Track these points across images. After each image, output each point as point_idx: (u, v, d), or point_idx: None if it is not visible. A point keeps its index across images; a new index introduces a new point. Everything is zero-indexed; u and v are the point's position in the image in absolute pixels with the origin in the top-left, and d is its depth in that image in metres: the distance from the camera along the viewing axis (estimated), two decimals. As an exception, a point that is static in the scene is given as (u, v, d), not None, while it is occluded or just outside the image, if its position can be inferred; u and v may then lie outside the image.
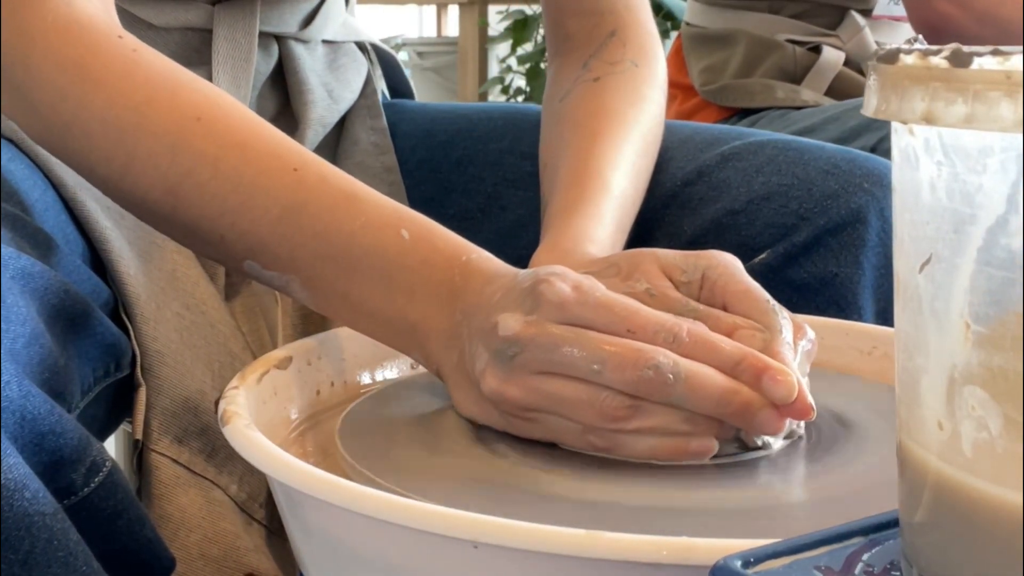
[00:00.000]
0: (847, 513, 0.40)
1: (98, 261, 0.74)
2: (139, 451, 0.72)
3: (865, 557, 0.36)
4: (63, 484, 0.53)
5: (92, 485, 0.55)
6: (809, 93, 1.61)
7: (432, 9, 5.62)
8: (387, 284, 0.63)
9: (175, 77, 0.67)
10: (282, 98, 0.93)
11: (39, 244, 0.66)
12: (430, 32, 5.73)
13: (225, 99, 0.68)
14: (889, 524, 0.37)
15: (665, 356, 0.55)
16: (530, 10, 4.28)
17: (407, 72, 1.12)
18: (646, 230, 0.87)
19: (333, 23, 0.96)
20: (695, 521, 0.51)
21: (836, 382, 0.71)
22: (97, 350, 0.66)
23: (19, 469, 0.49)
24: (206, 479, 0.72)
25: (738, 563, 0.34)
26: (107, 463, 0.56)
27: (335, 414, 0.67)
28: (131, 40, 0.68)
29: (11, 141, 0.77)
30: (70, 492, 0.54)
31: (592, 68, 0.89)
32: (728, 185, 0.87)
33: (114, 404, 0.72)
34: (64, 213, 0.74)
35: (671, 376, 0.54)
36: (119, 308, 0.72)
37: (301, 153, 0.66)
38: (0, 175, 0.70)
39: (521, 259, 0.91)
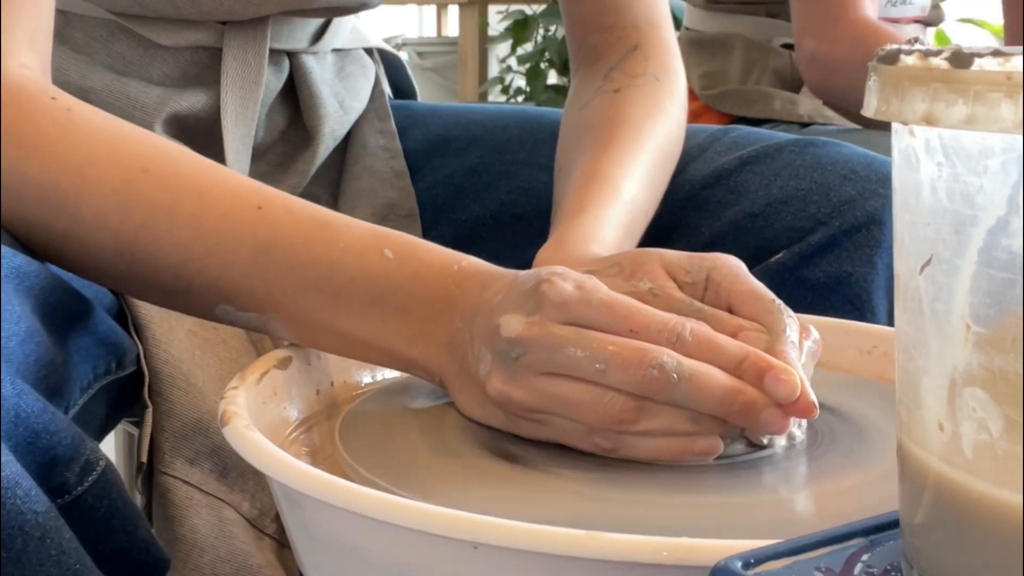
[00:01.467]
0: (848, 513, 0.40)
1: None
2: (145, 471, 0.72)
3: (865, 558, 0.36)
4: (56, 483, 0.53)
5: (86, 484, 0.54)
6: (807, 104, 1.62)
7: (432, 9, 5.61)
8: (377, 307, 0.62)
9: (115, 132, 0.65)
10: (292, 112, 0.93)
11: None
12: (430, 32, 5.73)
13: (171, 147, 0.66)
14: (890, 525, 0.37)
15: (669, 356, 0.55)
16: (530, 10, 4.27)
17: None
18: (663, 232, 0.87)
19: (342, 33, 0.96)
20: (696, 521, 0.51)
21: (837, 381, 0.71)
22: (97, 348, 0.66)
23: (11, 467, 0.49)
24: (217, 498, 0.72)
25: (739, 564, 0.34)
26: (101, 462, 0.55)
27: (335, 414, 0.67)
28: (65, 100, 0.65)
29: None
30: (63, 491, 0.54)
31: (613, 79, 0.89)
32: (746, 188, 0.87)
33: (115, 401, 0.72)
34: None
35: (675, 376, 0.54)
36: (124, 310, 0.72)
37: (261, 190, 0.65)
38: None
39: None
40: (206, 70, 0.86)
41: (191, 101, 0.85)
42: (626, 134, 0.84)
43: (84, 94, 0.82)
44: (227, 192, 0.64)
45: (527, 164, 0.95)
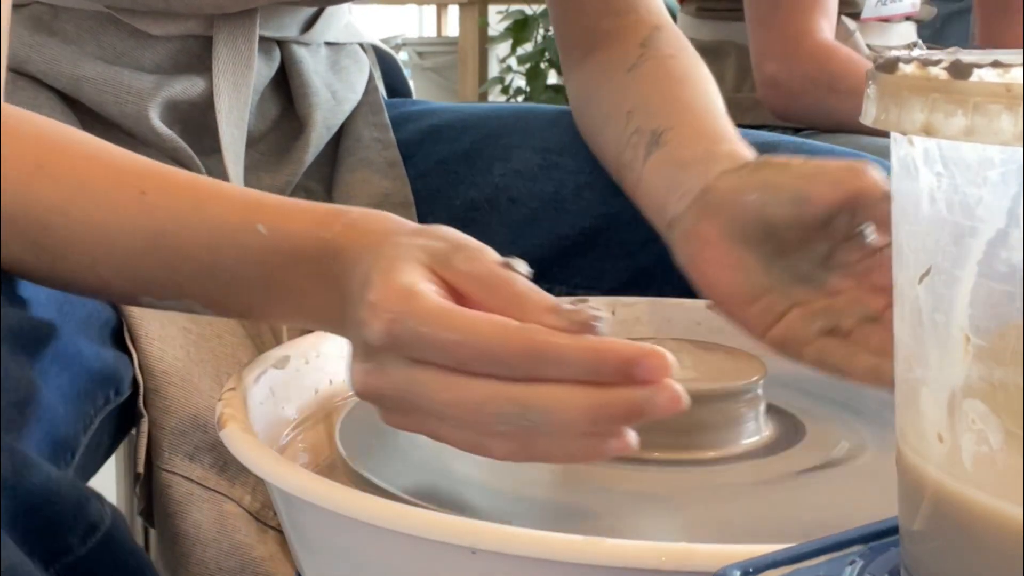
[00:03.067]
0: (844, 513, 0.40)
1: None
2: (143, 476, 0.72)
3: (864, 565, 0.36)
4: (60, 547, 0.53)
5: (89, 545, 0.54)
6: None
7: (432, 9, 5.61)
8: (272, 291, 0.59)
9: (14, 128, 0.62)
10: (285, 101, 0.93)
11: None
12: (430, 32, 5.72)
13: (69, 137, 0.63)
14: (889, 532, 0.37)
15: (510, 405, 0.49)
16: (530, 10, 4.27)
17: (407, 72, 1.12)
18: (652, 226, 0.88)
19: (335, 26, 0.96)
20: (696, 519, 0.51)
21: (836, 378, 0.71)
22: (94, 384, 0.66)
23: (9, 550, 0.49)
24: (219, 493, 0.72)
25: (737, 573, 0.34)
26: (105, 521, 0.55)
27: (334, 413, 0.67)
28: None
29: None
30: (66, 552, 0.53)
31: (658, 48, 0.89)
32: None
33: (117, 423, 0.72)
34: None
35: (527, 421, 0.48)
36: (122, 327, 0.72)
37: (144, 172, 0.62)
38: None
39: (528, 252, 0.91)
40: (196, 59, 0.86)
41: (184, 86, 0.85)
42: (705, 81, 0.85)
43: (76, 83, 0.82)
44: (109, 181, 0.61)
45: (520, 147, 0.95)
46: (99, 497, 0.57)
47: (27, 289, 0.64)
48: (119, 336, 0.71)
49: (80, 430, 0.63)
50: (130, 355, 0.71)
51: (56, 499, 0.53)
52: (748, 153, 0.73)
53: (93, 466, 0.72)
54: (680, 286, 0.89)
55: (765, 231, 0.66)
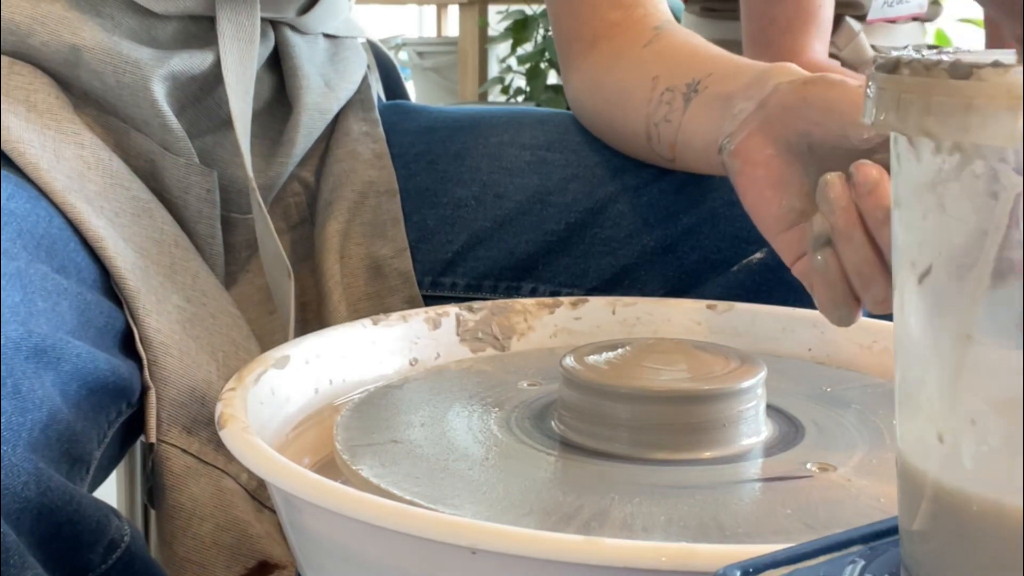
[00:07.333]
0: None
1: (104, 273, 0.74)
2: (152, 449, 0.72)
3: (865, 565, 0.36)
4: (81, 564, 0.55)
5: (110, 562, 0.56)
6: None
7: (432, 9, 5.61)
8: None
9: None
10: (278, 84, 0.93)
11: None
12: (430, 32, 5.72)
13: None
14: (889, 532, 0.37)
15: None
16: (530, 10, 4.27)
17: (407, 72, 1.13)
18: (641, 216, 0.88)
19: (334, 18, 0.96)
20: (695, 519, 0.51)
21: (837, 377, 0.71)
22: (109, 397, 0.66)
23: (32, 569, 0.51)
24: (216, 468, 0.73)
25: (737, 573, 0.34)
26: (125, 539, 0.57)
27: (333, 413, 0.67)
28: None
29: None
30: (88, 570, 0.55)
31: (673, 30, 0.90)
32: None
33: (126, 430, 0.72)
34: (71, 233, 0.73)
35: None
36: (132, 333, 0.72)
37: None
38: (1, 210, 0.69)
39: (515, 249, 0.92)
40: (195, 39, 0.86)
41: (186, 61, 0.84)
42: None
43: (77, 54, 0.81)
44: None
45: (510, 144, 0.96)
46: (118, 514, 0.58)
47: (51, 297, 0.64)
48: (130, 338, 0.72)
49: (95, 445, 0.64)
50: (138, 356, 0.71)
51: (78, 518, 0.54)
52: (802, 71, 0.72)
53: (102, 476, 0.73)
54: (660, 285, 0.89)
55: (810, 150, 0.65)
